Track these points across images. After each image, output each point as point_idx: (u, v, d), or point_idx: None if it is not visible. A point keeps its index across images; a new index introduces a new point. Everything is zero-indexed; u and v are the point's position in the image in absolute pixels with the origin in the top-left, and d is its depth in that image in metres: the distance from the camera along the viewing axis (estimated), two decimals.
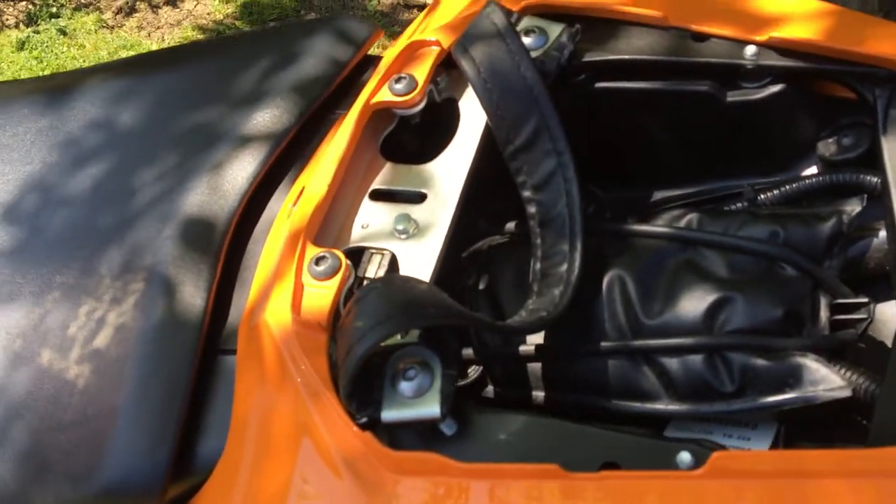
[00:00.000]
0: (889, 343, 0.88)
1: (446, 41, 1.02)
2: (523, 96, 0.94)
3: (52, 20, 3.20)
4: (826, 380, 0.80)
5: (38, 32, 3.17)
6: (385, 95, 1.00)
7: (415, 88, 0.99)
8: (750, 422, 0.88)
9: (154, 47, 3.02)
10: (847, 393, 0.79)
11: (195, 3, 3.19)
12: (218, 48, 1.33)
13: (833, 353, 0.85)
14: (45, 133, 1.20)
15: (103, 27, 3.16)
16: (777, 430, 0.86)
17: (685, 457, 0.73)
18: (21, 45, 3.11)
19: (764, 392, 0.83)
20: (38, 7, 3.25)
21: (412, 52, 1.04)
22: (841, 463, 0.68)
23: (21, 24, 3.22)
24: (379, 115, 1.02)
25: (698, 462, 0.72)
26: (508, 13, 1.00)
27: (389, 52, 1.03)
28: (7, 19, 3.25)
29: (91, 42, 3.09)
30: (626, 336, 0.90)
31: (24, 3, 3.28)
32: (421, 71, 1.00)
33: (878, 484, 0.67)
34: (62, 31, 3.16)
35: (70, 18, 3.21)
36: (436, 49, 1.03)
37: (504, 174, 0.97)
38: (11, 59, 3.06)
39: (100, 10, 3.22)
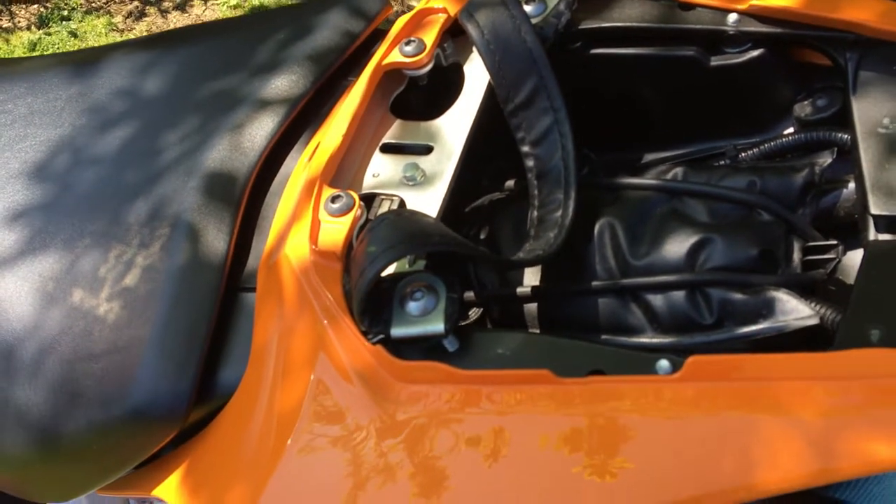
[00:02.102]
0: None
1: (453, 9, 1.10)
2: (523, 58, 1.02)
3: (64, 23, 3.28)
4: (796, 310, 0.87)
5: (49, 34, 3.25)
6: (395, 57, 1.08)
7: (423, 50, 1.07)
8: (727, 353, 0.95)
9: None
10: (815, 321, 0.86)
11: (204, 8, 3.27)
12: (238, 22, 1.40)
13: (804, 290, 0.92)
14: (75, 99, 1.28)
15: (113, 30, 3.24)
16: None
17: (664, 363, 0.80)
18: (33, 47, 3.19)
19: (740, 323, 0.90)
20: (49, 10, 3.33)
21: (421, 19, 1.12)
22: (807, 365, 0.75)
23: (33, 27, 3.30)
24: (390, 76, 1.10)
25: (675, 368, 0.79)
26: None
27: (401, 20, 1.11)
28: (19, 21, 3.33)
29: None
30: (615, 277, 0.97)
31: (35, 5, 3.36)
32: (429, 35, 1.08)
33: (839, 384, 0.74)
34: (73, 34, 3.23)
35: (81, 21, 3.28)
36: (443, 16, 1.11)
37: (504, 137, 1.05)
38: None
39: (110, 14, 3.31)
